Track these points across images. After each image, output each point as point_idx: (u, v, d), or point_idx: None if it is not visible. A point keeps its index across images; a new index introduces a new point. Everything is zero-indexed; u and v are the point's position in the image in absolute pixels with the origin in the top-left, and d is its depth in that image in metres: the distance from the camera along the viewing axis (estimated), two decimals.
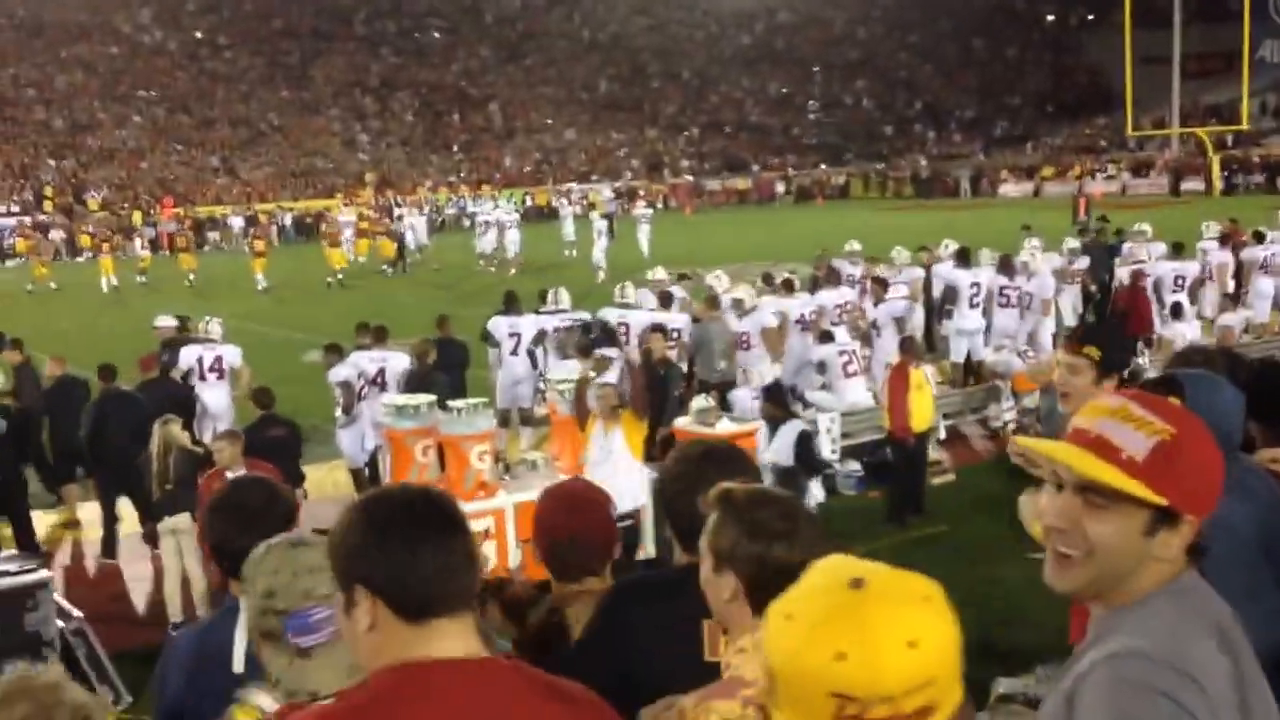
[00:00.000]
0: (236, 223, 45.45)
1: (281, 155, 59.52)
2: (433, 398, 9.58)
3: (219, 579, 8.42)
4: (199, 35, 67.21)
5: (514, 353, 12.88)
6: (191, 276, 32.49)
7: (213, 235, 45.24)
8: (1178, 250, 16.51)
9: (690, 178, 62.46)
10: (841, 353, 11.56)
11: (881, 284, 13.99)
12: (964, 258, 14.68)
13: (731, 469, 2.64)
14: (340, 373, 11.46)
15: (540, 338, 12.84)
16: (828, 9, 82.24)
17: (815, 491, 9.40)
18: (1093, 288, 16.50)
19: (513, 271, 30.59)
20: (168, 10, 67.81)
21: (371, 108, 65.74)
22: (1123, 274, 15.98)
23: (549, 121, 68.12)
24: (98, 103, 59.35)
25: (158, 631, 8.16)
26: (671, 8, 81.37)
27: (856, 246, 16.84)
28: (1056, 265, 15.53)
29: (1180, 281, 15.32)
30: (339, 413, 11.47)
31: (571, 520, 3.16)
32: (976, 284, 13.93)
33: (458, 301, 23.16)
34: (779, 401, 9.41)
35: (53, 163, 54.08)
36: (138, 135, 58.12)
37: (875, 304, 13.70)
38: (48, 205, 49.53)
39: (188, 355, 12.54)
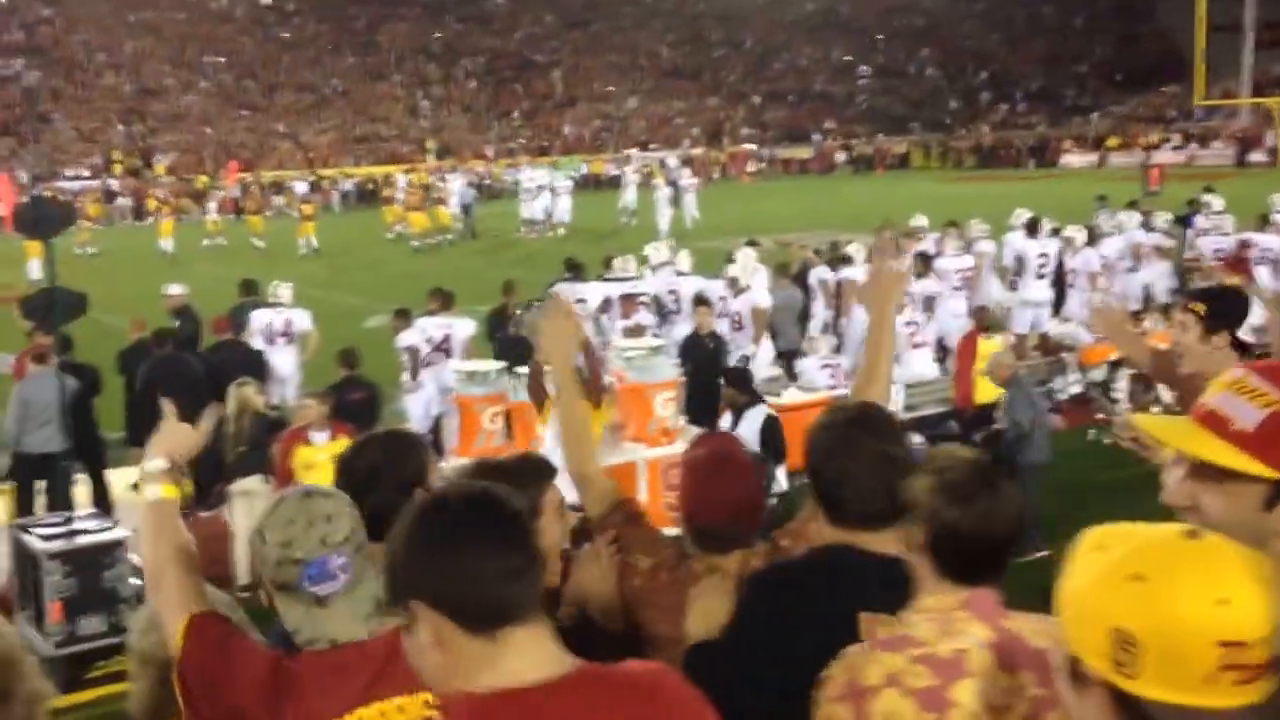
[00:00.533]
0: (300, 188, 45.79)
1: (345, 121, 59.94)
2: (502, 364, 9.68)
3: None
4: (266, 1, 67.71)
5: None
6: (259, 241, 32.96)
7: (277, 200, 45.64)
8: (1264, 223, 16.21)
9: (751, 146, 62.11)
10: (907, 324, 11.48)
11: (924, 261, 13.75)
12: (1033, 228, 14.52)
13: (883, 433, 2.54)
14: (407, 338, 11.60)
15: (607, 305, 12.83)
16: None
17: (780, 479, 8.78)
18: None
19: (560, 233, 30.82)
20: None
21: (435, 74, 65.93)
22: (1204, 245, 15.69)
23: (610, 89, 67.95)
24: (166, 67, 60.06)
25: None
26: None
27: (922, 221, 16.62)
28: (1138, 239, 15.28)
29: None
30: (405, 378, 11.60)
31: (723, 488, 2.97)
32: (1045, 254, 13.79)
33: (517, 266, 23.24)
34: (742, 385, 8.85)
35: (121, 127, 54.85)
36: (205, 100, 58.78)
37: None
38: (116, 169, 50.26)
39: (258, 319, 12.72)
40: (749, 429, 8.51)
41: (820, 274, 13.59)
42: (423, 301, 12.44)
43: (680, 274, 13.43)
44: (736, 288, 12.31)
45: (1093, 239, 14.47)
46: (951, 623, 2.18)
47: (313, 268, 27.62)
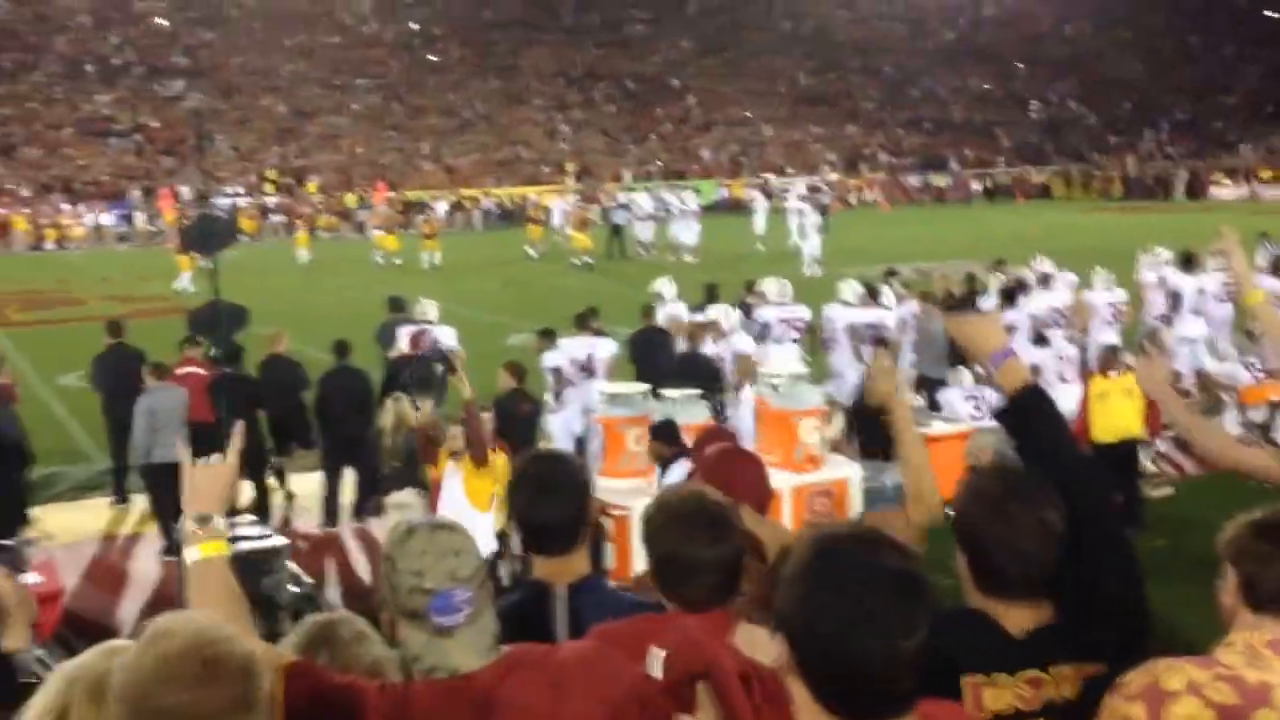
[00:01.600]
0: (442, 207, 46.95)
1: (487, 143, 61.22)
2: (647, 386, 9.80)
3: None
4: (414, 26, 69.63)
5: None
6: (397, 259, 33.91)
7: (419, 219, 46.85)
8: None
9: (887, 174, 61.62)
10: (1060, 358, 11.30)
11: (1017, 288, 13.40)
12: (1188, 262, 14.14)
13: (1036, 500, 2.44)
14: (551, 358, 11.79)
15: (765, 330, 12.83)
16: (1035, 4, 79.82)
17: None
18: None
19: (686, 258, 31.07)
20: (386, 1, 70.50)
21: (574, 98, 66.94)
22: None
23: (747, 114, 68.10)
24: (318, 90, 62.16)
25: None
26: (874, 1, 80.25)
27: (1045, 264, 16.07)
28: None
29: None
30: (549, 397, 11.77)
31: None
32: (1202, 290, 13.42)
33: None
34: (668, 437, 8.31)
35: (276, 147, 56.91)
36: (354, 121, 60.65)
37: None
38: (270, 187, 52.14)
39: (403, 335, 13.08)
40: (673, 481, 7.98)
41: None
42: (566, 321, 12.67)
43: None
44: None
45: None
46: (1259, 657, 2.25)
47: (456, 285, 28.26)
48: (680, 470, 7.96)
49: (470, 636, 2.34)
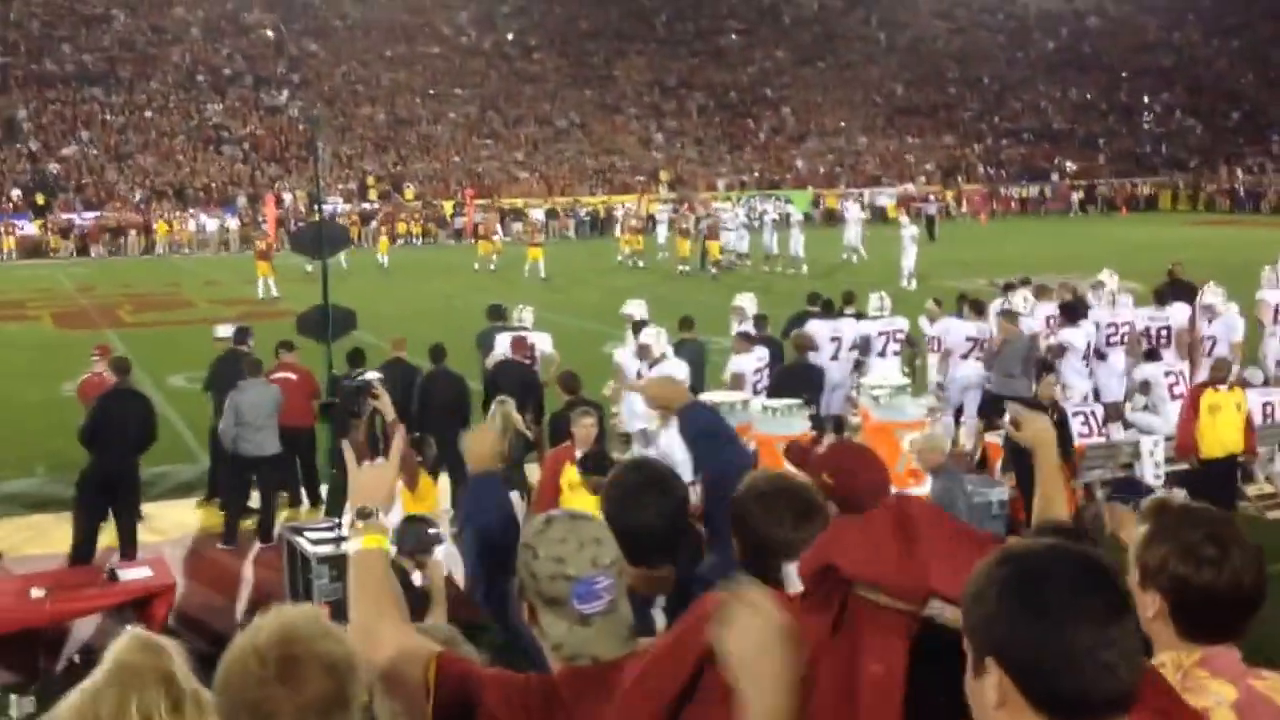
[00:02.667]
0: (537, 215, 47.40)
1: (581, 152, 61.64)
2: (746, 396, 9.77)
3: None
4: (511, 37, 70.41)
5: (834, 357, 12.70)
6: (491, 265, 34.34)
7: (516, 226, 47.41)
8: None
9: (985, 185, 60.78)
10: (1168, 373, 11.02)
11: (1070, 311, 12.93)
12: None
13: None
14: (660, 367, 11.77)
15: (866, 344, 12.73)
16: (1141, 13, 78.23)
17: None
18: None
19: (789, 269, 30.95)
20: (484, 13, 71.40)
21: (668, 107, 67.12)
22: None
23: (842, 124, 67.68)
24: (417, 99, 63.14)
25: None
26: (974, 10, 79.25)
27: (1107, 277, 15.59)
28: None
29: None
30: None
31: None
32: None
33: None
34: (600, 469, 8.05)
35: (376, 155, 57.92)
36: (452, 130, 61.50)
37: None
38: (371, 194, 53.06)
39: (502, 341, 13.18)
40: None
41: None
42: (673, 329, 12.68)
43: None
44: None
45: None
46: (1191, 679, 2.13)
47: (552, 292, 28.49)
48: None
49: (610, 625, 2.35)
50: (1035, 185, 61.33)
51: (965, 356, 12.34)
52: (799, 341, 11.97)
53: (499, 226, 41.02)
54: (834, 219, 46.27)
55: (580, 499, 8.10)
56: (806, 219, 39.71)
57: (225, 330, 13.06)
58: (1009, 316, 12.13)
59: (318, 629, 2.08)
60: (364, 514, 2.57)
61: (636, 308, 13.34)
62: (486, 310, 14.88)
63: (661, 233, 39.19)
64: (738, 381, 11.26)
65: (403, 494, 7.68)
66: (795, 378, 11.21)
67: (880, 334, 12.59)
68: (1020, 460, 8.73)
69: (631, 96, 67.35)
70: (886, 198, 56.55)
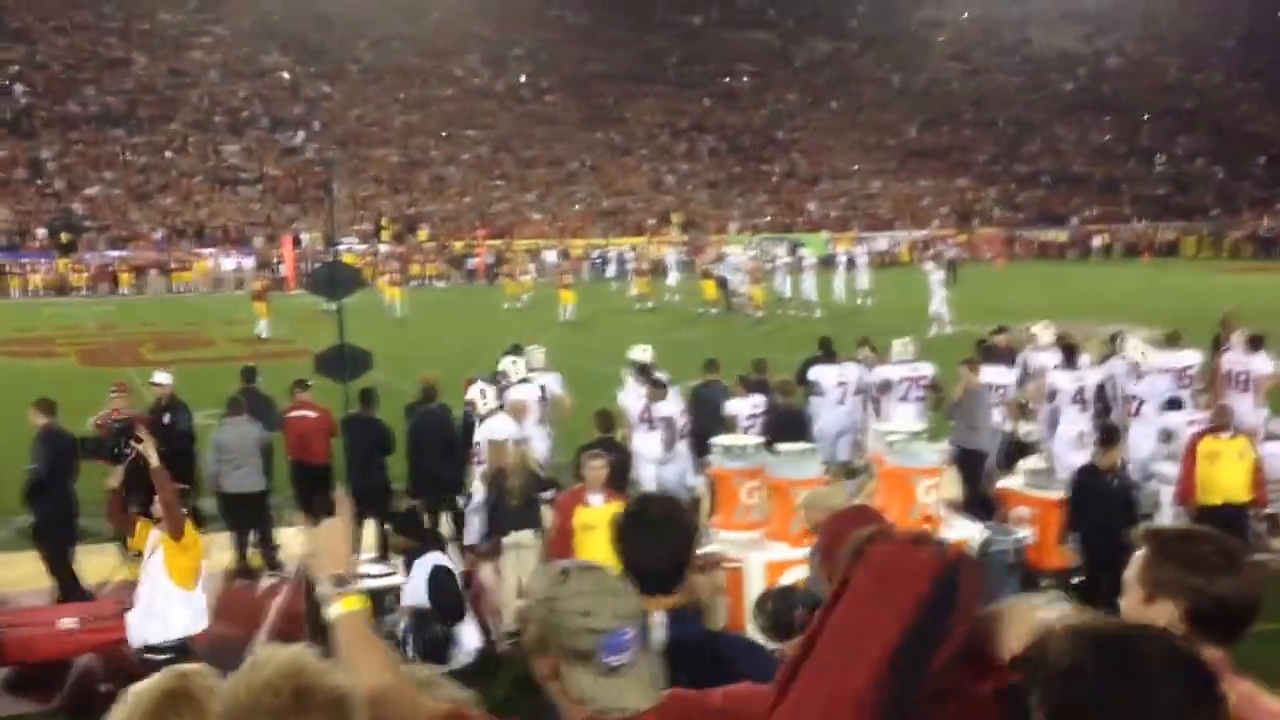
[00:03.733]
0: (549, 257, 47.50)
1: (593, 194, 61.84)
2: (761, 439, 9.62)
3: None
4: (523, 79, 70.88)
5: (841, 402, 12.56)
6: (516, 304, 34.47)
7: (549, 261, 47.66)
8: None
9: (1002, 229, 60.71)
10: (1191, 423, 10.81)
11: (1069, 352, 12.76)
12: None
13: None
14: (663, 408, 11.67)
15: (886, 387, 12.55)
16: (1162, 54, 78.41)
17: (467, 641, 7.39)
18: None
19: (812, 312, 30.79)
20: (496, 55, 71.96)
21: (680, 149, 67.36)
22: None
23: (855, 167, 67.80)
24: (430, 140, 63.52)
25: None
26: (990, 52, 79.56)
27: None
28: None
29: None
30: (660, 448, 11.65)
31: None
32: None
33: (767, 343, 23.21)
34: (412, 530, 7.66)
35: (390, 196, 58.20)
36: (464, 171, 61.79)
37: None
38: (384, 235, 53.27)
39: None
40: (417, 580, 7.53)
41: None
42: (685, 371, 12.58)
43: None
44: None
45: None
46: None
47: (564, 333, 28.43)
48: (424, 566, 7.45)
49: (638, 675, 2.31)
50: (1053, 229, 61.19)
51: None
52: (783, 388, 12.00)
53: (530, 266, 41.25)
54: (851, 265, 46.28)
55: (594, 541, 7.94)
56: (825, 262, 39.67)
57: (163, 378, 12.63)
58: (971, 366, 11.95)
59: (321, 664, 2.11)
60: (338, 581, 2.54)
61: (642, 353, 13.23)
62: (508, 349, 14.80)
63: (673, 276, 39.16)
64: (729, 424, 11.25)
65: (164, 542, 7.38)
66: (785, 422, 11.18)
67: (903, 379, 12.44)
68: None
69: (643, 138, 67.63)
70: (894, 242, 56.62)
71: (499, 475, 9.08)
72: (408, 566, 7.76)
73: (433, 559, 7.52)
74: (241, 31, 67.92)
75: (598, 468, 8.37)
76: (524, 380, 12.32)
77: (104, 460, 9.73)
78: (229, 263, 48.92)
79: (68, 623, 8.28)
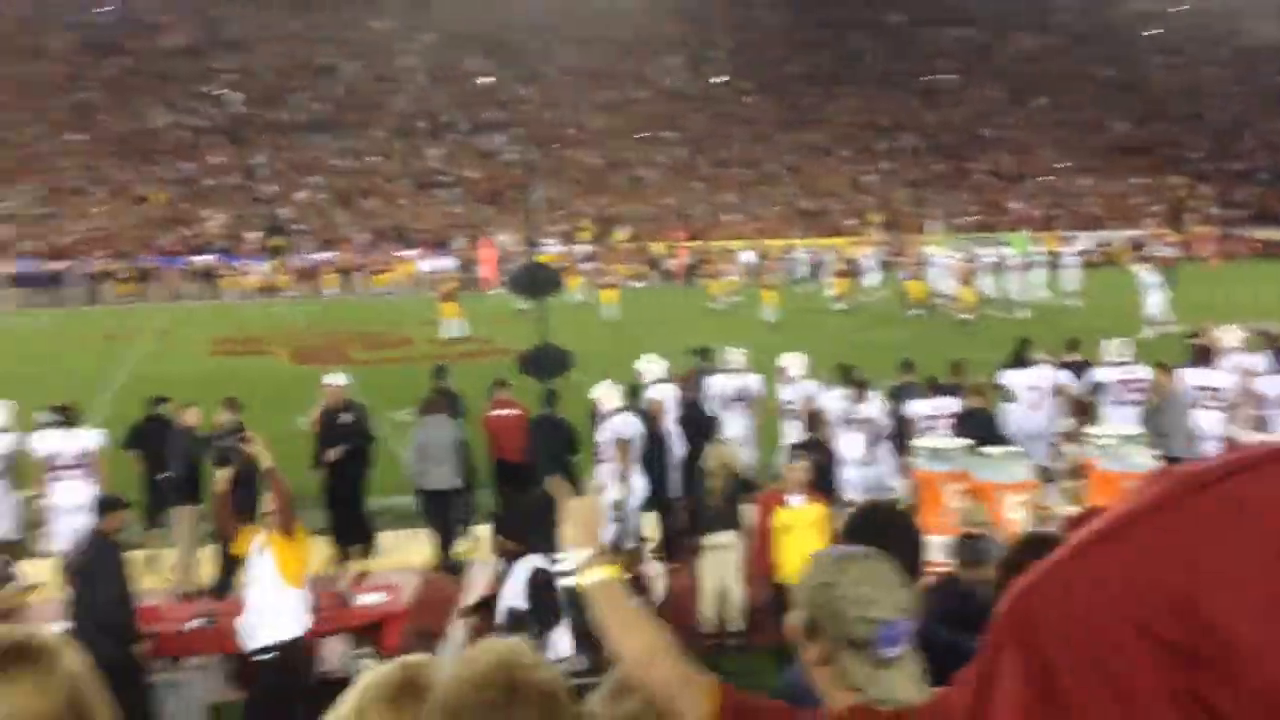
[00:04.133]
0: (747, 258, 47.52)
1: (792, 194, 61.60)
2: (968, 441, 9.56)
3: (757, 598, 8.92)
4: (720, 80, 71.15)
5: (1036, 406, 12.39)
6: (717, 304, 34.65)
7: (729, 267, 47.66)
8: None
9: (1217, 227, 57.80)
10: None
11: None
12: None
13: None
14: (865, 410, 11.68)
15: (1097, 389, 12.35)
16: None
17: (560, 647, 7.12)
18: None
19: (1018, 313, 29.99)
20: (694, 57, 72.42)
21: (880, 149, 66.47)
22: None
23: (1060, 165, 65.64)
24: (627, 142, 64.40)
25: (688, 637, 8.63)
26: (1201, 45, 75.86)
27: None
28: None
29: None
30: (859, 450, 11.65)
31: None
32: None
33: (973, 344, 22.80)
34: (515, 531, 7.56)
35: (587, 198, 59.27)
36: (661, 173, 62.42)
37: None
38: (583, 236, 54.23)
39: (713, 384, 13.26)
40: (519, 580, 7.24)
41: None
42: (884, 372, 12.54)
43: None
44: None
45: None
46: None
47: (764, 335, 28.45)
48: (525, 568, 7.21)
49: (909, 669, 2.33)
50: (1270, 228, 57.89)
51: (1194, 406, 11.77)
52: (976, 389, 11.89)
53: (732, 265, 41.51)
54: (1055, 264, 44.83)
55: (792, 541, 8.06)
56: (1029, 263, 38.56)
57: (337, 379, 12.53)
58: (1164, 369, 11.54)
59: (531, 658, 2.16)
60: (590, 548, 2.60)
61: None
62: (695, 352, 14.98)
63: (873, 276, 38.73)
64: (908, 426, 11.31)
65: (274, 541, 7.49)
66: (975, 424, 11.03)
67: (1119, 382, 12.14)
68: None
69: (842, 138, 66.99)
70: (1102, 241, 54.49)
71: (708, 476, 9.26)
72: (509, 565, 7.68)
73: (533, 561, 7.42)
74: (447, 36, 70.22)
75: (797, 469, 8.47)
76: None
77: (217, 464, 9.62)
78: (430, 264, 50.57)
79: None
